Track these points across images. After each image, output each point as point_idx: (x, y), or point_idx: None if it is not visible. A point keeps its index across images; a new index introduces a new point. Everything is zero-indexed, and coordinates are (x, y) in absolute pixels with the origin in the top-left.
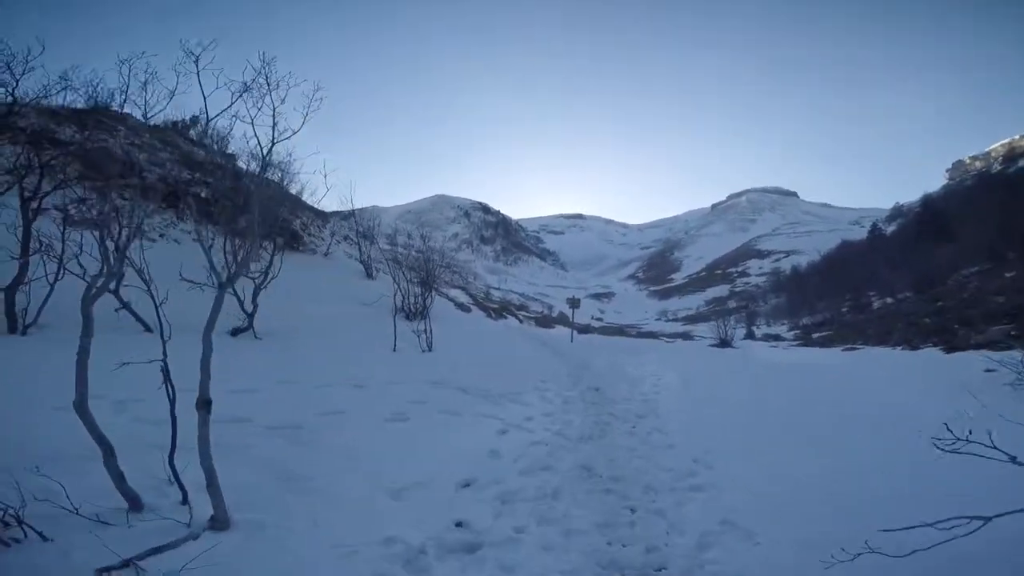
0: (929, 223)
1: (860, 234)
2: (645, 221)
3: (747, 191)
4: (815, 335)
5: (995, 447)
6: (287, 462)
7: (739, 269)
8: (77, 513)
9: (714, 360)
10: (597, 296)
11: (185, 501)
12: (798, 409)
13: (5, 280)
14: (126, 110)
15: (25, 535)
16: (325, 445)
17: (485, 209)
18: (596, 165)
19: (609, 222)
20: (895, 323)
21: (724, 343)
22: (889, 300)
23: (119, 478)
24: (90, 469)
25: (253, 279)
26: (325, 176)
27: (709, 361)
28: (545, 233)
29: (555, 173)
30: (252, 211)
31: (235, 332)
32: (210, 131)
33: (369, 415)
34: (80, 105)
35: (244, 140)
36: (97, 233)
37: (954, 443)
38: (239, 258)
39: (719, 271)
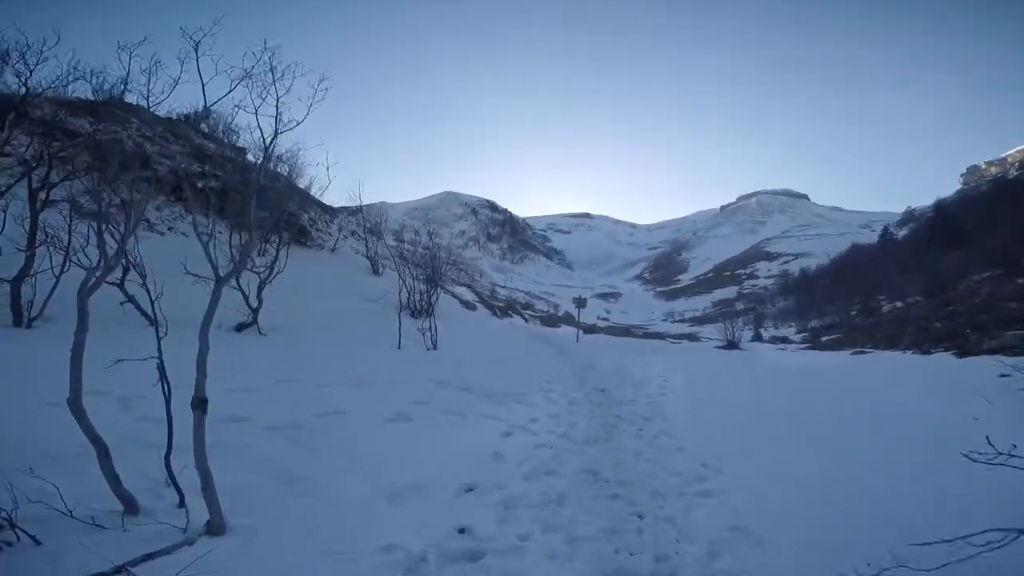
0: (942, 228)
1: (871, 238)
2: (653, 221)
3: (757, 193)
4: (824, 338)
5: None
6: (286, 464)
7: (747, 271)
8: (71, 516)
9: (721, 362)
10: (603, 296)
11: (182, 504)
12: (807, 412)
13: (11, 272)
14: (128, 99)
15: (18, 538)
16: (325, 446)
17: (492, 207)
18: (604, 164)
19: (617, 222)
20: (905, 327)
21: (731, 345)
22: (899, 304)
23: (114, 480)
24: (87, 469)
25: (258, 274)
26: (328, 168)
27: (716, 363)
28: (552, 232)
29: (563, 172)
30: (250, 201)
31: (240, 327)
32: (211, 119)
33: (371, 415)
34: (90, 96)
35: (249, 132)
36: (95, 224)
37: (994, 457)
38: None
39: (727, 273)
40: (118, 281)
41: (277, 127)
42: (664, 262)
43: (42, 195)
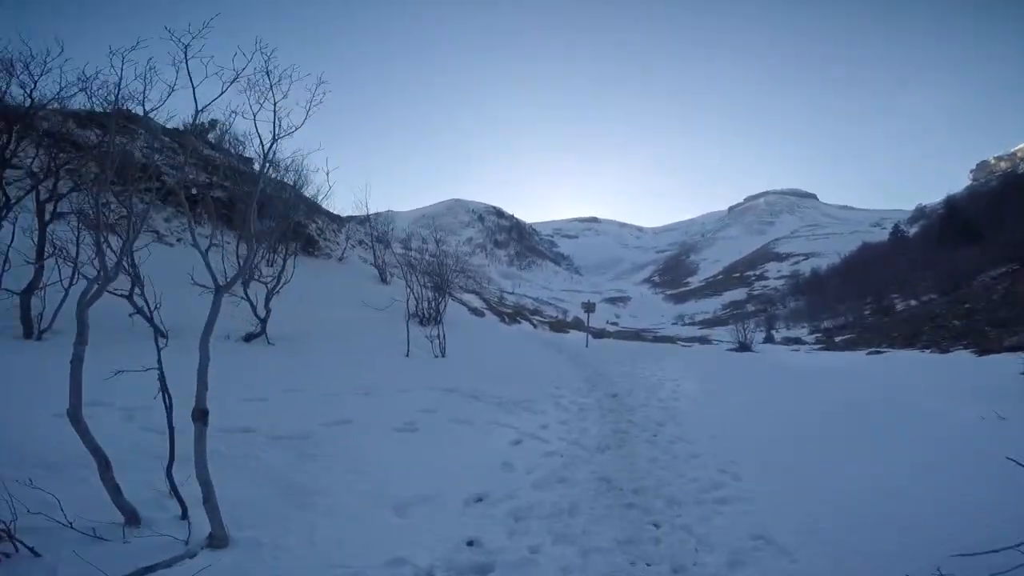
0: (954, 224)
1: (881, 236)
2: (660, 224)
3: (765, 193)
4: (838, 338)
5: None
6: (291, 475)
7: (757, 272)
8: (71, 527)
9: (734, 365)
10: (612, 300)
11: (185, 516)
12: (827, 416)
13: (20, 284)
14: (122, 106)
15: (16, 550)
16: (331, 456)
17: (499, 213)
18: (610, 168)
19: (624, 225)
20: (921, 325)
21: (743, 347)
22: (913, 302)
23: (115, 491)
24: (89, 479)
25: (265, 284)
26: (328, 173)
27: (729, 366)
28: (559, 237)
29: (569, 177)
30: (250, 207)
31: (248, 338)
32: (217, 129)
33: (378, 424)
34: (95, 107)
35: (250, 141)
36: (97, 235)
37: None
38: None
39: (736, 274)
40: (126, 293)
41: (275, 132)
42: (673, 265)
43: (50, 207)
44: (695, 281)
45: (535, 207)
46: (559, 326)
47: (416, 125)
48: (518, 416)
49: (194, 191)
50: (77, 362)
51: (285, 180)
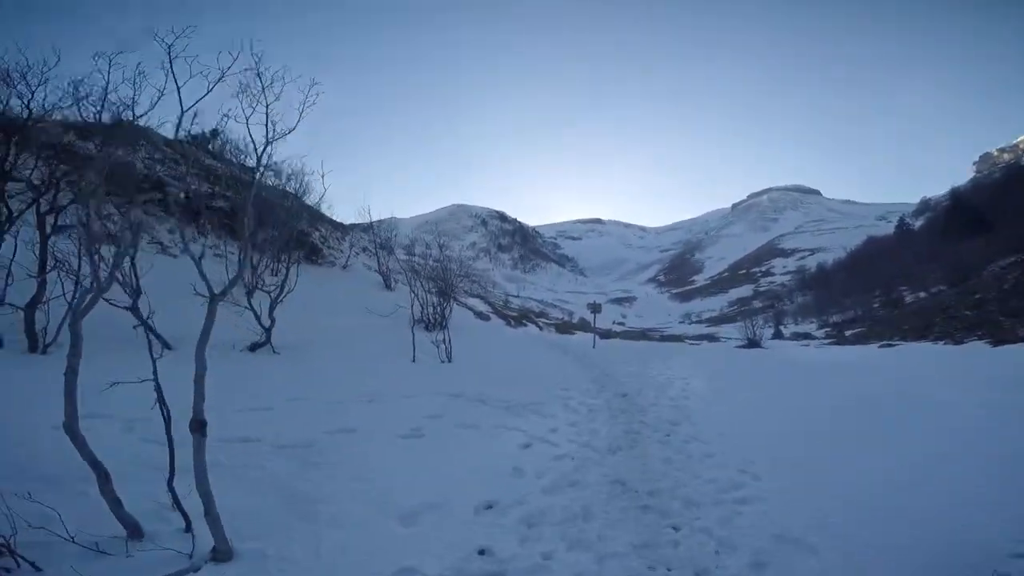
0: (959, 216)
1: (886, 229)
2: (664, 223)
3: (768, 190)
4: (848, 332)
5: None
6: (295, 484)
7: (763, 268)
8: (73, 541)
9: (744, 362)
10: (618, 301)
11: (188, 529)
12: (842, 411)
13: (24, 298)
14: (113, 112)
15: (18, 565)
16: (336, 465)
17: (502, 217)
18: (612, 169)
19: (627, 226)
20: (933, 317)
21: (752, 344)
22: (922, 294)
23: (116, 504)
24: (90, 492)
25: (269, 293)
26: (323, 176)
27: (739, 363)
28: (563, 239)
29: (571, 179)
30: (246, 210)
31: (254, 347)
32: (218, 139)
33: (384, 432)
34: (82, 114)
35: (249, 148)
36: (88, 245)
37: None
38: (258, 271)
39: (742, 271)
40: (128, 305)
41: (268, 135)
42: (678, 263)
43: (50, 219)
44: (701, 279)
45: (538, 210)
46: (565, 328)
47: (417, 131)
48: (526, 419)
49: (183, 195)
50: (71, 374)
51: (287, 188)
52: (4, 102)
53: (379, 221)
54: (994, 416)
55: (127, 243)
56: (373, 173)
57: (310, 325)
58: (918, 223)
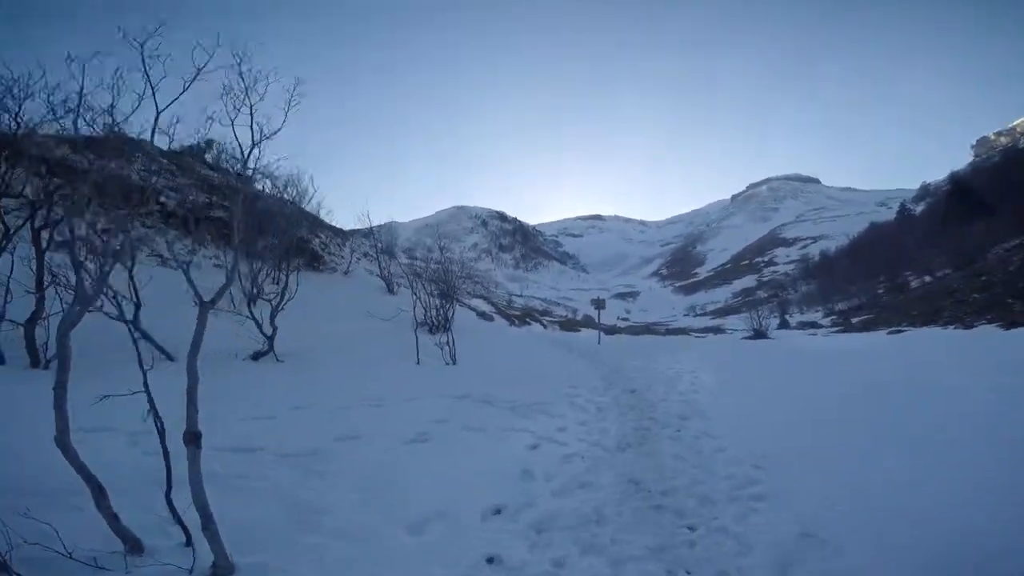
0: (960, 200)
1: (887, 216)
2: (664, 217)
3: (767, 180)
4: (854, 319)
5: None
6: (299, 494)
7: (766, 258)
8: (71, 557)
9: (752, 353)
10: (621, 296)
11: (189, 543)
12: (853, 402)
13: (24, 314)
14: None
15: None
16: (340, 473)
17: (502, 217)
18: (610, 164)
19: (628, 220)
20: (941, 301)
21: (759, 334)
22: (928, 279)
23: (113, 519)
24: (89, 506)
25: (269, 301)
26: (312, 177)
27: (747, 354)
28: (564, 236)
29: (570, 176)
30: (236, 211)
31: (256, 356)
32: (214, 148)
33: (388, 437)
34: (58, 121)
35: (234, 154)
36: (73, 257)
37: None
38: (258, 279)
39: (745, 262)
40: (130, 318)
41: (253, 137)
42: (680, 256)
43: (46, 234)
44: (703, 271)
45: (538, 209)
46: (569, 325)
47: (415, 134)
48: (534, 420)
49: (162, 198)
50: (60, 389)
51: (284, 195)
52: None
53: (379, 226)
54: (1005, 401)
55: (110, 254)
56: (372, 178)
57: (313, 332)
58: (919, 208)
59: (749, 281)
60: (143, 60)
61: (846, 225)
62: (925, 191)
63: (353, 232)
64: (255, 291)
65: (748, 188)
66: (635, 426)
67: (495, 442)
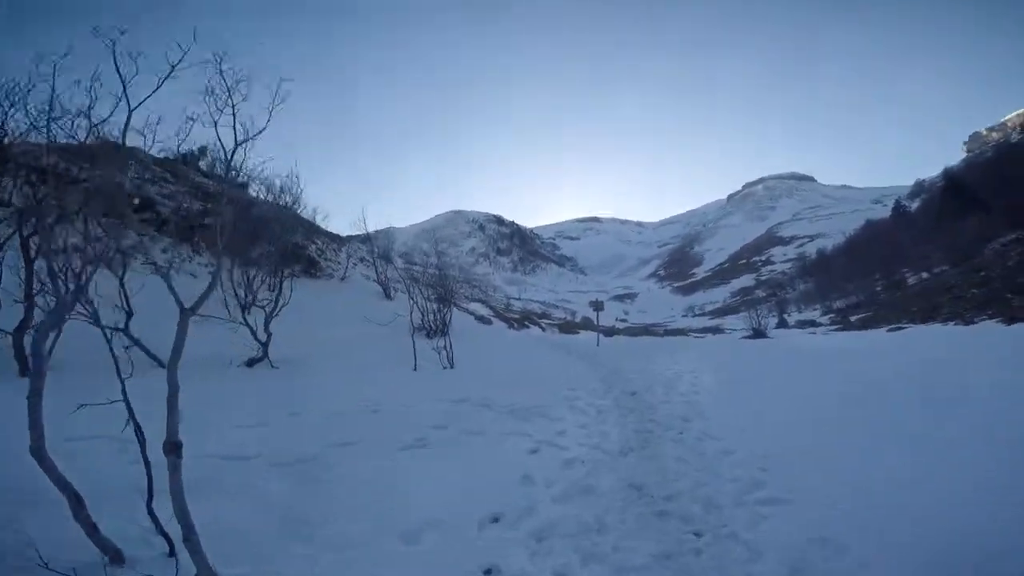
0: (955, 196)
1: (883, 213)
2: (661, 218)
3: (763, 179)
4: (853, 317)
5: None
6: (290, 504)
7: (763, 257)
8: (47, 567)
9: (752, 353)
10: (620, 297)
11: (172, 553)
12: (858, 401)
13: (13, 323)
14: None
15: None
16: (334, 481)
17: (499, 221)
18: (606, 167)
19: (624, 222)
20: (939, 298)
21: (758, 333)
22: (925, 275)
23: (92, 529)
24: (69, 515)
25: (263, 308)
26: (297, 176)
27: (746, 354)
28: (561, 239)
29: (567, 179)
30: (220, 217)
31: (251, 363)
32: (207, 155)
33: (385, 444)
34: (42, 128)
35: (216, 160)
36: (48, 263)
37: None
38: (253, 286)
39: (743, 261)
40: (122, 326)
41: (236, 138)
42: (678, 257)
43: (35, 241)
44: (701, 272)
45: (535, 212)
46: (568, 327)
47: (412, 139)
48: (533, 423)
49: (156, 204)
50: (35, 397)
51: (278, 201)
52: None
53: (377, 232)
54: (1006, 397)
55: (88, 262)
56: (370, 184)
57: (309, 338)
58: (914, 205)
59: (747, 281)
60: (114, 58)
61: (842, 223)
62: (920, 188)
63: (350, 238)
64: (249, 298)
65: (744, 187)
66: (636, 429)
67: (494, 447)
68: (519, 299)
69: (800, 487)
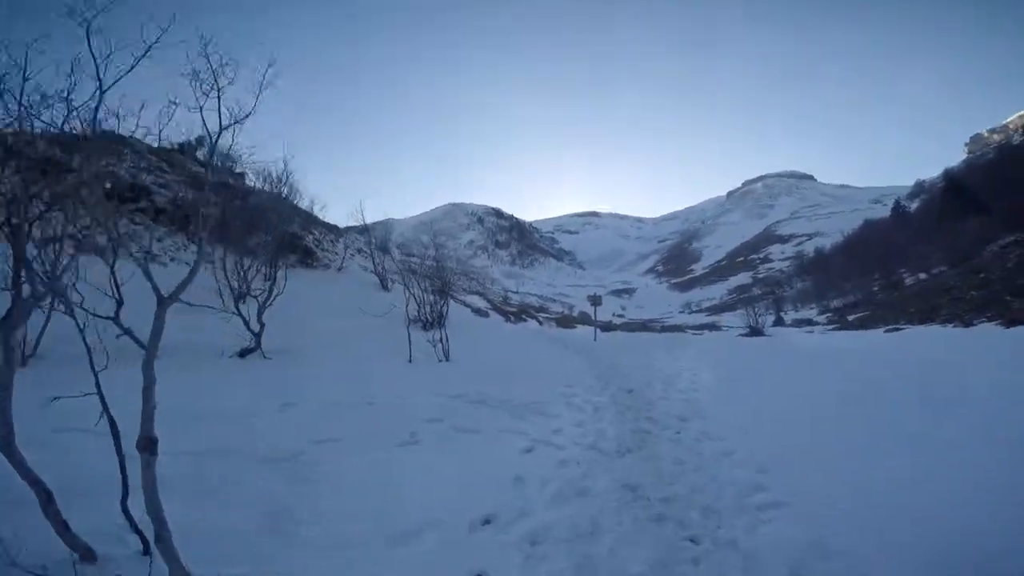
0: (955, 197)
1: (882, 213)
2: (660, 214)
3: (762, 177)
4: (851, 317)
5: None
6: (275, 501)
7: (761, 255)
8: (15, 564)
9: (749, 350)
10: (617, 293)
11: (147, 552)
12: (860, 400)
13: (1, 313)
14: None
15: None
16: (322, 478)
17: (498, 214)
18: (606, 161)
19: (623, 217)
20: (937, 299)
21: (755, 331)
22: (923, 276)
23: (62, 526)
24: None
25: (256, 298)
26: (285, 163)
27: (744, 352)
28: (560, 233)
29: (566, 173)
30: (200, 205)
31: (243, 353)
32: (205, 146)
33: (376, 440)
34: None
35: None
36: (15, 249)
37: None
38: (248, 276)
39: (740, 259)
40: (112, 316)
41: (220, 122)
42: (676, 253)
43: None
44: (699, 268)
45: (534, 205)
46: (566, 322)
47: (412, 131)
48: (528, 420)
49: (107, 182)
50: (3, 391)
51: (273, 190)
52: None
53: (375, 223)
54: (1005, 398)
55: (53, 247)
56: (369, 176)
57: (303, 329)
58: (914, 205)
59: (744, 278)
60: (88, 38)
61: (841, 222)
62: (920, 188)
63: (348, 229)
64: (243, 287)
65: (744, 185)
66: (633, 427)
67: (488, 445)
68: (517, 292)
69: (800, 489)
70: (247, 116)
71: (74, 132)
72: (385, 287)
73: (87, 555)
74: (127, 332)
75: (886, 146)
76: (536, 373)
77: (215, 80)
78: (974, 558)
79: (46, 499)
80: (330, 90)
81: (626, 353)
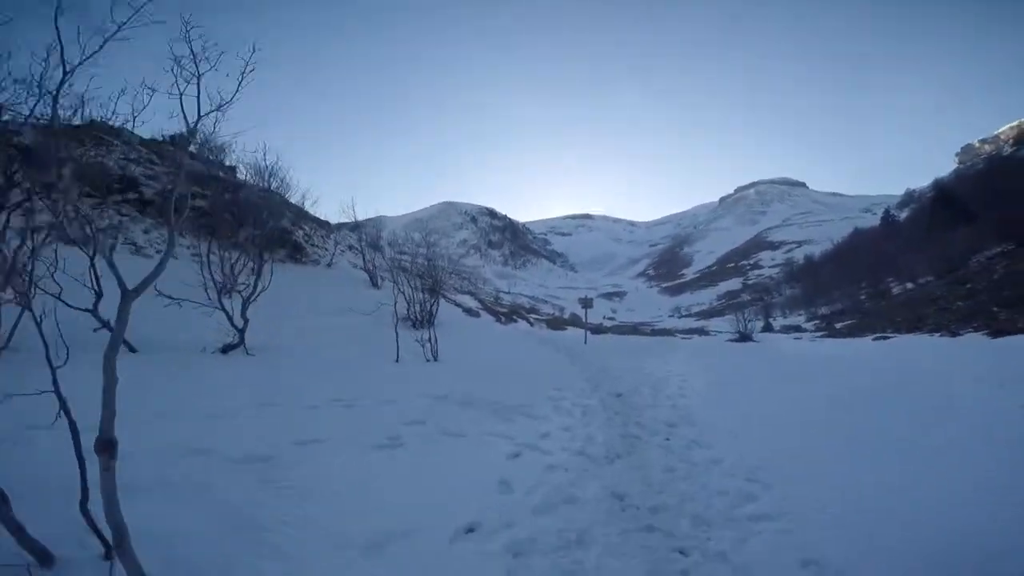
0: (944, 207)
1: (872, 221)
2: (653, 218)
3: (755, 183)
4: (838, 325)
5: None
6: (245, 506)
7: (751, 261)
8: None
9: (738, 356)
10: (608, 295)
11: (108, 556)
12: (849, 406)
13: None
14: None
15: None
16: (297, 482)
17: (492, 214)
18: (601, 164)
19: (616, 220)
20: (924, 308)
21: (744, 337)
22: (910, 285)
23: (17, 529)
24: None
25: (240, 293)
26: (265, 153)
27: (733, 358)
28: (553, 235)
29: (561, 175)
30: (172, 193)
31: (226, 349)
32: (196, 138)
33: (356, 442)
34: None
35: (229, 147)
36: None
37: None
38: (234, 270)
39: (731, 264)
40: (91, 308)
41: (199, 109)
42: (667, 258)
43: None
44: (690, 273)
45: (528, 206)
46: (556, 323)
47: (406, 129)
48: (516, 424)
49: (64, 167)
50: None
51: (262, 184)
52: None
53: (367, 220)
54: (990, 406)
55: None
56: (363, 172)
57: (290, 325)
58: (903, 215)
59: (734, 284)
60: (56, 20)
61: (831, 230)
62: (910, 197)
63: (340, 225)
64: (228, 282)
65: (736, 191)
66: (622, 433)
67: (473, 449)
68: (508, 293)
69: (790, 495)
70: (228, 103)
71: (42, 119)
72: (375, 284)
73: (44, 558)
74: (106, 325)
75: (878, 155)
76: (525, 375)
77: (195, 65)
78: (974, 558)
79: (1, 500)
80: (327, 87)
81: (616, 356)
